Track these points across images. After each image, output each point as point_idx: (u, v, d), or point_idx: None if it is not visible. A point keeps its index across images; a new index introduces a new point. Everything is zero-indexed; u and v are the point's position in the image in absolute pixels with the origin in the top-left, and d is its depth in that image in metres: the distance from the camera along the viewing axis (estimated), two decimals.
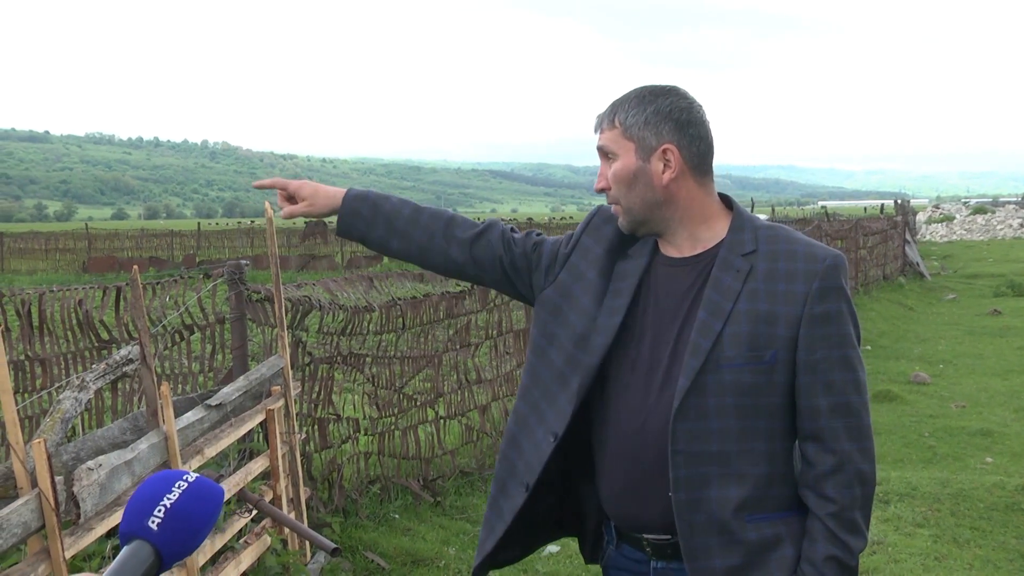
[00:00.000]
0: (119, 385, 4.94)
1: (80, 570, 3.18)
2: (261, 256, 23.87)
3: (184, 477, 1.03)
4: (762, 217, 2.08)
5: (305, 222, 42.57)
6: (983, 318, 14.90)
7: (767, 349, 1.77)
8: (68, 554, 2.65)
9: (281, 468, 4.29)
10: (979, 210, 44.12)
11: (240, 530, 3.97)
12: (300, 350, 5.13)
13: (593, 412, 1.94)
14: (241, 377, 4.27)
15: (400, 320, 5.96)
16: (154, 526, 0.99)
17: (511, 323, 6.97)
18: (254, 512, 3.97)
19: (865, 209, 60.64)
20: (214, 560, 3.71)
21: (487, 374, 6.81)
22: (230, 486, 3.80)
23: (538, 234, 2.12)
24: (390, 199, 2.11)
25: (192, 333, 5.28)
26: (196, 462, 3.51)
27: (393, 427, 5.91)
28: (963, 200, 75.04)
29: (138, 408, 4.56)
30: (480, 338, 6.82)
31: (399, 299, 5.84)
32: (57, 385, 4.94)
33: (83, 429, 4.74)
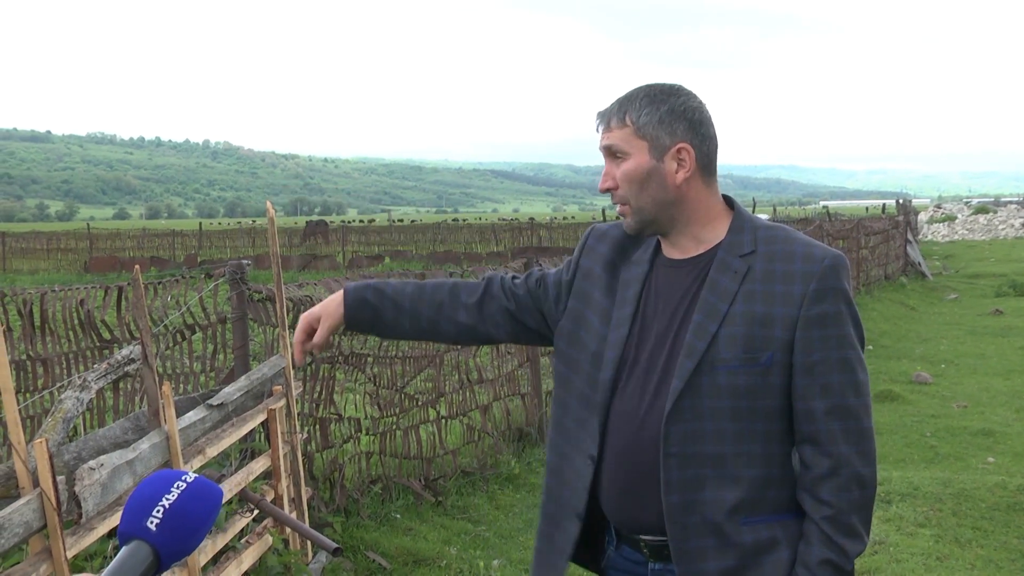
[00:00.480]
0: (121, 385, 4.94)
1: (82, 570, 3.18)
2: (263, 256, 23.88)
3: (183, 477, 1.03)
4: (763, 217, 2.07)
5: (307, 221, 42.61)
6: (985, 318, 14.89)
7: (763, 351, 1.76)
8: (70, 554, 2.65)
9: (283, 468, 4.29)
10: (981, 210, 44.09)
11: (242, 530, 3.97)
12: None
13: None
14: (243, 377, 4.27)
15: None
16: (152, 526, 0.99)
17: None
18: (255, 512, 3.97)
19: (867, 209, 60.59)
20: (215, 560, 3.71)
21: (488, 374, 6.81)
22: (231, 486, 3.80)
23: (539, 269, 2.12)
24: (389, 282, 2.11)
25: (194, 333, 5.28)
26: (198, 462, 3.51)
27: (395, 427, 5.91)
28: (965, 200, 75.00)
29: (140, 408, 4.56)
30: None
31: None
32: (59, 385, 4.94)
33: (85, 429, 4.75)
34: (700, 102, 1.85)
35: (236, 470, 4.00)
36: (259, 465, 4.16)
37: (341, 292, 2.08)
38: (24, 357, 5.11)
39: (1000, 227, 38.92)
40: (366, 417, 5.76)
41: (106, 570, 0.97)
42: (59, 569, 2.58)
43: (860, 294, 16.22)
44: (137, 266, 3.47)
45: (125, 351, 4.31)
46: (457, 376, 6.55)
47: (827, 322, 1.77)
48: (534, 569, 2.03)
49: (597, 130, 1.89)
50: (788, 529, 1.81)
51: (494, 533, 5.39)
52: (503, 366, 6.96)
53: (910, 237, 22.09)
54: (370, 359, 5.73)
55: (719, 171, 1.92)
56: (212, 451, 3.64)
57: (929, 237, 37.52)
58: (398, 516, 5.45)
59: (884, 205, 29.54)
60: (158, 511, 1.00)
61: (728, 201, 1.91)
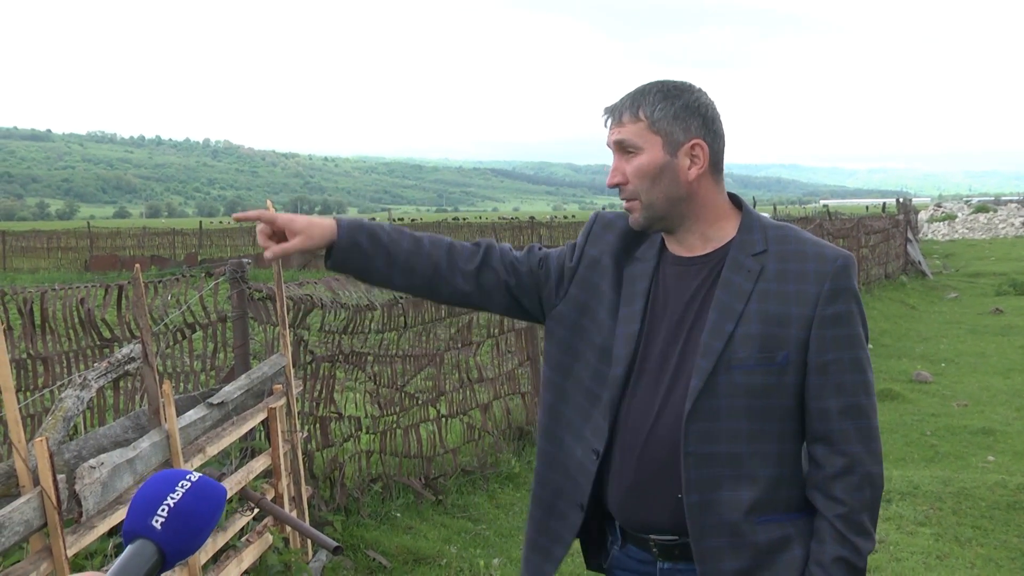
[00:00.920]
0: (121, 383, 4.94)
1: (82, 568, 3.18)
2: (263, 254, 23.81)
3: (187, 477, 1.04)
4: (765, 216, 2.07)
5: None
6: (985, 317, 14.89)
7: (778, 350, 1.76)
8: (70, 552, 2.65)
9: (283, 466, 4.30)
10: (981, 209, 44.08)
11: (242, 528, 3.98)
12: (302, 348, 5.13)
13: None
14: (243, 375, 4.27)
15: (402, 318, 5.96)
16: (157, 525, 1.00)
17: (512, 322, 6.97)
18: (256, 510, 3.97)
19: (867, 208, 60.59)
20: (216, 558, 3.71)
21: (489, 373, 6.81)
22: (232, 484, 3.80)
23: (540, 248, 2.06)
24: (384, 228, 1.95)
25: (194, 331, 5.28)
26: (198, 460, 3.51)
27: (395, 425, 5.91)
28: (965, 199, 74.98)
29: (140, 406, 4.56)
30: (482, 336, 6.83)
31: (400, 298, 5.84)
32: (59, 383, 4.94)
33: (85, 427, 4.75)
34: (711, 99, 1.84)
35: (236, 469, 4.00)
36: (259, 464, 4.16)
37: (332, 222, 1.90)
38: (24, 356, 5.11)
39: (1000, 226, 38.92)
40: (366, 416, 5.76)
41: (112, 568, 0.97)
42: (59, 567, 2.58)
43: (861, 293, 16.20)
44: (137, 265, 3.47)
45: (125, 350, 4.31)
46: (457, 375, 6.55)
47: (841, 322, 1.78)
48: (525, 555, 2.00)
49: (605, 125, 1.87)
50: (800, 527, 1.82)
51: (494, 532, 5.39)
52: (503, 365, 6.96)
53: (910, 236, 22.08)
54: (370, 358, 5.73)
55: None
56: (212, 450, 3.65)
57: (929, 236, 37.51)
58: (398, 515, 5.45)
59: (884, 204, 29.54)
60: (163, 510, 1.00)
61: (735, 200, 1.91)
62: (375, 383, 5.79)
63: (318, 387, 5.29)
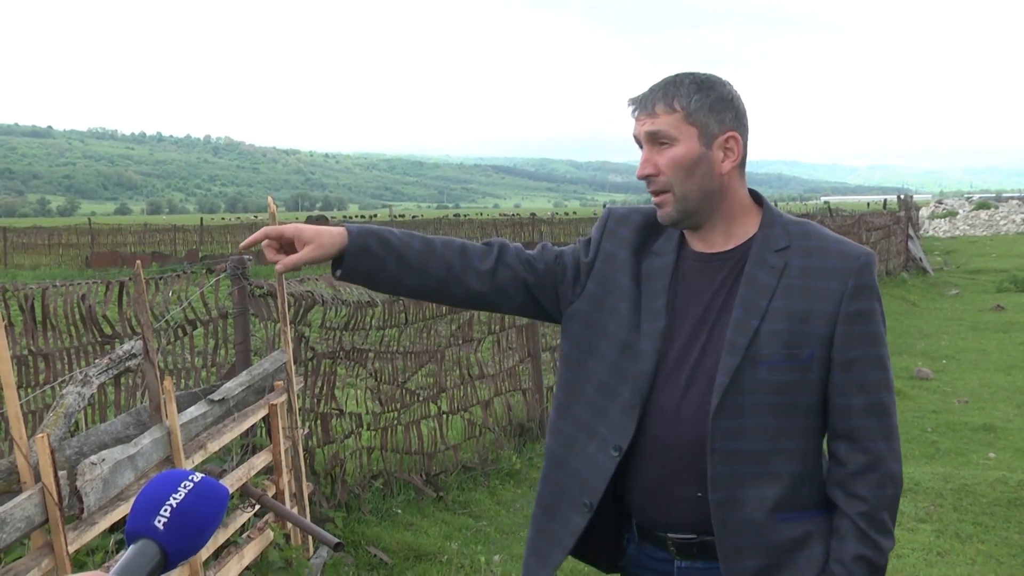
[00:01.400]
0: (122, 380, 4.95)
1: (83, 564, 3.18)
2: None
3: (190, 477, 1.04)
4: None
5: (308, 216, 42.49)
6: (986, 313, 14.89)
7: (803, 347, 1.75)
8: (71, 549, 2.65)
9: (284, 463, 4.30)
10: (982, 205, 44.05)
11: (243, 525, 3.98)
12: (303, 345, 5.13)
13: None
14: (244, 372, 4.27)
15: (403, 315, 5.96)
16: (160, 525, 1.00)
17: (513, 318, 6.97)
18: (257, 507, 3.98)
19: (868, 204, 60.54)
20: (217, 555, 3.72)
21: (489, 369, 6.81)
22: (233, 481, 3.81)
23: (553, 245, 2.02)
24: (394, 232, 1.89)
25: (195, 328, 5.28)
26: (199, 457, 3.51)
27: (396, 422, 5.91)
28: (966, 196, 74.95)
29: (141, 403, 4.56)
30: (483, 333, 6.83)
31: None
32: (60, 380, 4.94)
33: (86, 424, 4.76)
34: (739, 92, 1.82)
35: (237, 465, 4.01)
36: (260, 460, 4.17)
37: (342, 229, 1.84)
38: (26, 352, 5.11)
39: (1001, 223, 38.89)
40: (367, 412, 5.76)
41: (115, 568, 0.97)
42: (60, 564, 2.58)
43: None
44: (138, 261, 3.47)
45: (126, 346, 4.31)
46: (458, 371, 6.55)
47: (864, 319, 1.77)
48: (524, 558, 1.98)
49: (633, 115, 1.83)
50: (820, 525, 1.80)
51: (495, 528, 5.39)
52: (504, 361, 6.96)
53: (911, 233, 22.07)
54: (371, 355, 5.73)
55: None
56: (213, 446, 3.65)
57: (930, 233, 37.49)
58: (399, 511, 5.45)
59: (885, 200, 29.50)
60: (165, 510, 1.00)
61: (755, 196, 1.89)
62: (376, 379, 5.79)
63: (319, 383, 5.29)
